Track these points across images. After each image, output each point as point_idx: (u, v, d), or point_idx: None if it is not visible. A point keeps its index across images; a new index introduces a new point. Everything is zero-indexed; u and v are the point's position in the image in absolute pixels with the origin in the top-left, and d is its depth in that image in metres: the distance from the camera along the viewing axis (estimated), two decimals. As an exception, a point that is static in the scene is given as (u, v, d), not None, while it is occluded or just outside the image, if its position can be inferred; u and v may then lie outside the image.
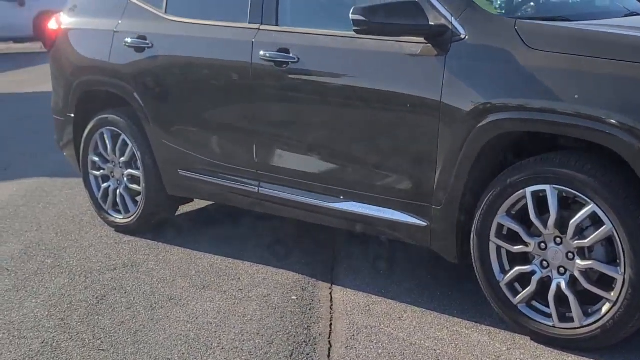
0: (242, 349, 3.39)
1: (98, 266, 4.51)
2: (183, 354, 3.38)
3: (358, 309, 3.79)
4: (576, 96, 3.04)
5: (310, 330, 3.59)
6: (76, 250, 4.80)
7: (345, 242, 4.71)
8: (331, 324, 3.65)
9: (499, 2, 4.22)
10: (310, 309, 3.82)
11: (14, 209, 5.78)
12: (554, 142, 3.31)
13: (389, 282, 4.09)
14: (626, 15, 3.96)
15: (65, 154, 5.56)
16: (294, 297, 3.96)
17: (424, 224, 3.59)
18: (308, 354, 3.34)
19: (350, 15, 3.45)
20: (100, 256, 4.68)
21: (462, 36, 3.39)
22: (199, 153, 4.50)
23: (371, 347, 3.38)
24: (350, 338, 3.48)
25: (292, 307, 3.84)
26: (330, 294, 4.01)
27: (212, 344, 3.45)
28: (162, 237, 4.96)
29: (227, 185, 4.41)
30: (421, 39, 3.49)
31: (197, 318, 3.74)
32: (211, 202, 5.35)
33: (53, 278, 4.33)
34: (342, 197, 3.90)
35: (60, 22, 5.36)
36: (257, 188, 4.27)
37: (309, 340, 3.48)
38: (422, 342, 3.41)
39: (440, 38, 3.44)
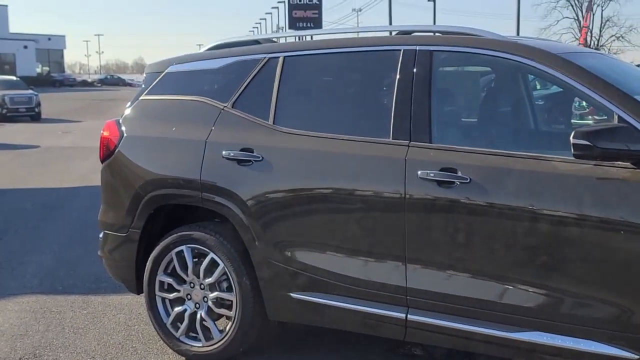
0: None
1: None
2: None
3: None
4: None
5: None
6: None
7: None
8: None
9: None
10: None
11: (40, 335, 5.05)
12: None
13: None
14: None
15: (116, 274, 4.94)
16: None
17: (635, 356, 3.40)
18: None
19: (572, 140, 3.30)
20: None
21: None
22: (326, 276, 4.11)
23: None
24: None
25: None
26: None
27: None
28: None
29: (362, 310, 4.03)
30: (628, 164, 3.39)
31: None
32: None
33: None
34: (525, 327, 3.63)
35: (121, 130, 4.81)
36: (405, 314, 3.92)
37: None
38: None
39: None
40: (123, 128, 4.85)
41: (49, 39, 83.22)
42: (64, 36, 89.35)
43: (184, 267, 4.55)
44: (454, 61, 4.12)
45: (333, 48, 4.42)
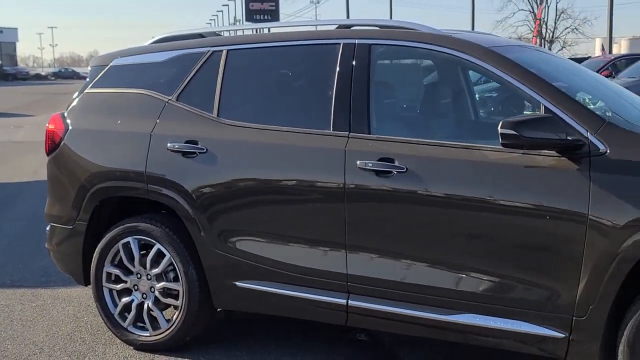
0: None
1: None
2: None
3: None
4: None
5: None
6: (114, 375, 4.26)
7: (403, 342, 4.54)
8: None
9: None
10: None
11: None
12: None
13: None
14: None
15: (63, 266, 4.98)
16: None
17: (562, 335, 3.56)
18: None
19: (500, 129, 3.45)
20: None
21: (604, 151, 3.47)
22: (269, 264, 4.21)
23: None
24: None
25: None
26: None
27: None
28: (198, 353, 4.56)
29: (307, 297, 4.13)
30: (553, 152, 3.53)
31: None
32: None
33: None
34: (457, 309, 3.78)
35: (66, 123, 4.85)
36: (346, 300, 4.03)
37: None
38: None
39: (576, 152, 3.50)
40: (68, 121, 4.89)
41: (1, 31, 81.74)
42: (16, 29, 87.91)
43: (131, 259, 4.61)
44: (392, 54, 4.23)
45: (275, 42, 4.51)
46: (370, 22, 4.39)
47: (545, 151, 3.56)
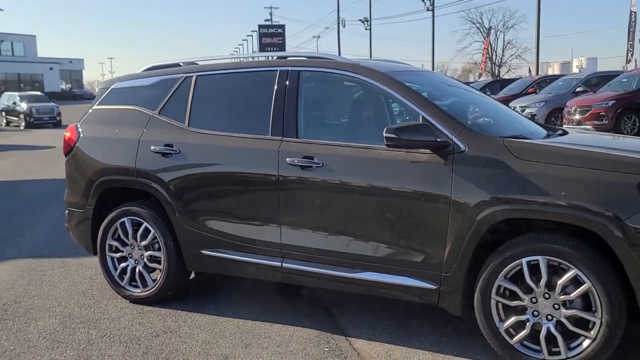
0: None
1: (141, 333, 4.18)
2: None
3: (383, 356, 3.79)
4: (562, 193, 3.33)
5: (357, 374, 3.55)
6: (110, 321, 4.43)
7: (335, 300, 4.67)
8: (370, 370, 3.64)
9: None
10: (345, 358, 3.77)
11: (23, 288, 5.21)
12: (533, 225, 3.55)
13: (390, 330, 4.13)
14: (548, 135, 4.33)
15: (71, 234, 5.14)
16: (326, 349, 3.90)
17: (434, 286, 3.71)
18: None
19: (384, 133, 3.59)
20: (136, 325, 4.34)
21: (463, 149, 3.61)
22: (226, 237, 4.36)
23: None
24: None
25: (329, 357, 3.77)
26: (350, 344, 3.97)
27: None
28: (177, 305, 4.69)
29: (253, 261, 4.28)
30: (428, 151, 3.67)
31: (262, 372, 3.57)
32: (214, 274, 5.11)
33: (109, 347, 3.97)
34: (359, 268, 3.92)
35: (79, 131, 5.01)
36: (281, 263, 4.18)
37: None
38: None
39: (443, 150, 3.64)
40: (80, 130, 5.04)
41: (70, 61, 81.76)
42: (82, 59, 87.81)
43: (126, 234, 4.77)
44: (315, 78, 4.34)
45: (232, 69, 4.64)
46: (300, 54, 4.52)
47: (422, 150, 3.70)
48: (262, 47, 58.66)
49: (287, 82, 4.24)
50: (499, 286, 3.55)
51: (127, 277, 4.79)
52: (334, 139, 4.09)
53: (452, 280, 3.66)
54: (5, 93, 35.65)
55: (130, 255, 4.78)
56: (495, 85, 23.59)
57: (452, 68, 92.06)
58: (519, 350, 3.54)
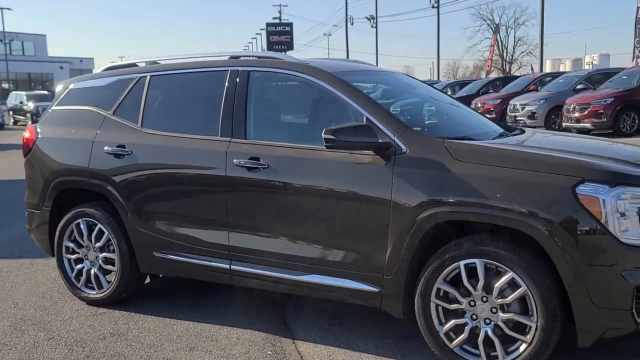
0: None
1: (88, 336, 4.16)
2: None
3: (323, 359, 3.74)
4: (497, 195, 3.26)
5: (294, 379, 3.51)
6: (61, 323, 4.41)
7: (291, 303, 4.63)
8: (308, 373, 3.59)
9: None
10: (286, 361, 3.73)
11: (-16, 289, 5.20)
12: (473, 226, 3.48)
13: (338, 334, 4.08)
14: (500, 136, 4.26)
15: (32, 237, 5.13)
16: (269, 352, 3.86)
17: (376, 289, 3.65)
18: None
19: (323, 135, 3.53)
20: (86, 327, 4.32)
21: (405, 150, 3.55)
22: (176, 239, 4.32)
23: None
24: (329, 383, 3.43)
25: (271, 361, 3.73)
26: (296, 347, 3.93)
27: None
28: (132, 308, 4.66)
29: (203, 263, 4.24)
30: (371, 152, 3.61)
31: (198, 376, 3.54)
32: (170, 276, 5.07)
33: (53, 349, 3.95)
34: (305, 271, 3.87)
35: (37, 132, 5.00)
36: (229, 265, 4.14)
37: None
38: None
39: (385, 152, 3.58)
40: (38, 130, 5.03)
41: (81, 60, 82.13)
42: (92, 58, 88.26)
43: (81, 235, 4.75)
44: (264, 78, 4.28)
45: (185, 69, 4.60)
46: (252, 54, 4.47)
47: (365, 151, 3.64)
48: (270, 46, 58.63)
49: (237, 83, 4.20)
50: (439, 289, 3.48)
51: (83, 278, 4.78)
52: (281, 139, 4.03)
53: (393, 283, 3.60)
54: (13, 92, 36.01)
55: (86, 257, 4.77)
56: (498, 82, 23.42)
57: (463, 65, 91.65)
58: (458, 354, 3.48)
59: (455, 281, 3.46)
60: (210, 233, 4.22)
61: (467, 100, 21.84)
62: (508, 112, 18.63)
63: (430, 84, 27.92)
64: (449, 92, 25.02)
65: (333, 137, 3.54)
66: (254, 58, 4.40)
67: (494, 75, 45.40)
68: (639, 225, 3.14)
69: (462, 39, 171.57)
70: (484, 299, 3.39)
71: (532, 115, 17.69)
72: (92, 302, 4.75)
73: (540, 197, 3.21)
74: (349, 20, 54.36)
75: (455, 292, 3.44)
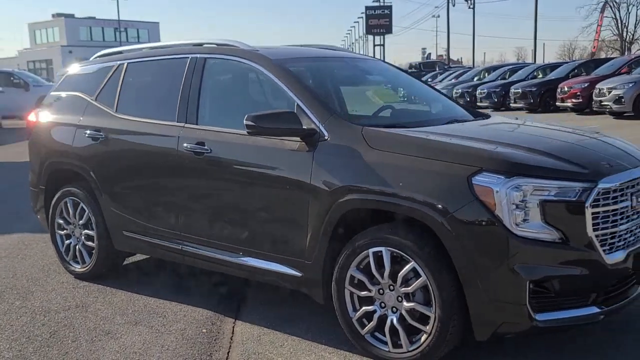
0: (156, 373, 3.43)
1: (56, 307, 4.49)
2: (109, 377, 3.40)
3: (251, 339, 3.86)
4: (400, 184, 3.23)
5: (211, 356, 3.66)
6: (41, 293, 4.78)
7: (248, 286, 4.74)
8: (228, 352, 3.72)
9: (356, 111, 4.42)
10: (215, 340, 3.88)
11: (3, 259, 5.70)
12: (388, 215, 3.45)
13: (278, 317, 4.16)
14: (447, 122, 4.17)
15: (38, 217, 5.54)
16: (204, 330, 4.01)
17: (299, 274, 3.71)
18: (206, 376, 3.40)
19: (244, 121, 3.62)
20: (59, 298, 4.66)
21: (327, 137, 3.57)
22: (138, 219, 4.58)
23: (255, 369, 3.46)
24: (240, 362, 3.55)
25: (202, 339, 3.90)
26: (233, 327, 4.06)
27: (133, 369, 3.48)
28: (111, 282, 4.96)
29: (160, 243, 4.47)
30: (298, 139, 3.66)
31: (125, 349, 3.76)
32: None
33: (18, 317, 4.31)
34: (241, 254, 3.99)
35: (38, 116, 5.41)
36: (181, 246, 4.33)
37: (209, 365, 3.53)
38: (293, 364, 3.50)
39: (311, 138, 3.61)
40: (39, 114, 5.44)
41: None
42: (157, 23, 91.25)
43: (68, 214, 5.11)
44: (218, 66, 4.38)
45: (154, 56, 4.82)
46: (212, 41, 4.60)
47: (294, 137, 3.69)
48: (369, 29, 58.43)
49: (194, 69, 4.35)
50: (352, 276, 3.49)
51: (70, 253, 5.15)
52: (225, 125, 4.14)
53: (313, 268, 3.64)
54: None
55: (72, 233, 5.13)
56: (591, 65, 22.12)
57: (580, 46, 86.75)
58: (368, 341, 3.48)
59: (367, 269, 3.45)
60: (166, 214, 4.42)
61: (555, 83, 20.86)
62: (593, 97, 17.61)
63: (522, 66, 26.67)
64: (540, 75, 23.97)
65: (253, 124, 3.61)
66: (214, 46, 4.53)
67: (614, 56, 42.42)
68: (540, 218, 3.01)
69: (577, 19, 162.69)
70: (391, 287, 3.37)
71: (618, 100, 16.62)
72: (78, 276, 5.11)
73: (438, 186, 3.15)
74: (450, 1, 53.06)
75: (365, 280, 3.45)
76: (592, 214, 3.06)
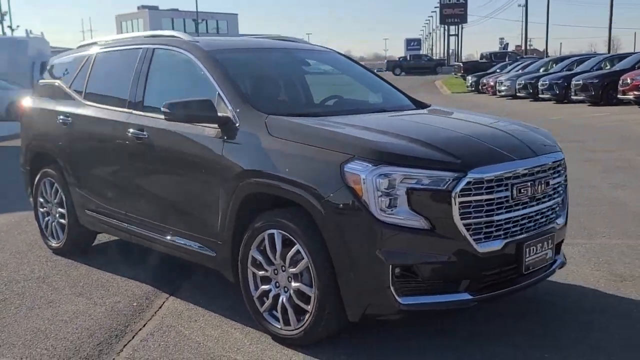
0: (68, 339, 3.73)
1: (20, 277, 4.90)
2: (26, 340, 3.72)
3: (172, 314, 4.10)
4: (287, 169, 3.39)
5: (128, 327, 3.92)
6: (15, 266, 5.21)
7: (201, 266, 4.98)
8: (145, 324, 3.96)
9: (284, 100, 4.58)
10: (139, 313, 4.14)
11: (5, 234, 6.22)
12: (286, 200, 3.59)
13: (208, 296, 4.38)
14: (375, 112, 4.25)
15: (28, 196, 6.00)
16: (135, 304, 4.29)
17: (214, 254, 3.93)
18: (110, 343, 3.67)
19: (162, 108, 3.86)
20: (27, 270, 5.08)
21: (237, 124, 3.76)
22: (96, 199, 4.92)
23: (160, 339, 3.70)
24: (150, 333, 3.80)
25: (129, 311, 4.17)
26: (163, 303, 4.31)
27: (50, 335, 3.79)
28: (81, 258, 5.34)
29: (113, 222, 4.80)
30: (216, 126, 3.86)
31: (57, 317, 4.08)
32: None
33: (-17, 287, 4.72)
34: (171, 233, 4.25)
35: (27, 102, 5.86)
36: (127, 225, 4.64)
37: (121, 334, 3.80)
38: (196, 337, 3.72)
39: (226, 125, 3.81)
40: (29, 101, 5.90)
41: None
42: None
43: (46, 192, 5.54)
44: (162, 56, 4.60)
45: (117, 46, 5.13)
46: (163, 33, 4.86)
47: (213, 125, 3.90)
48: (443, 19, 57.55)
49: (144, 59, 4.63)
50: (253, 257, 3.67)
51: (48, 229, 5.58)
52: (161, 112, 4.38)
53: (224, 249, 3.84)
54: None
55: (50, 211, 5.55)
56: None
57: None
58: (265, 318, 3.65)
59: (264, 250, 3.62)
60: (115, 196, 4.75)
61: (619, 75, 20.01)
62: (653, 89, 16.83)
63: (590, 56, 25.57)
64: (607, 66, 23.02)
65: (169, 111, 3.84)
66: (163, 37, 4.78)
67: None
68: (406, 205, 3.10)
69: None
70: (283, 268, 3.53)
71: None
72: (55, 251, 5.53)
73: (317, 172, 3.28)
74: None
75: (263, 261, 3.62)
76: (461, 203, 3.12)
